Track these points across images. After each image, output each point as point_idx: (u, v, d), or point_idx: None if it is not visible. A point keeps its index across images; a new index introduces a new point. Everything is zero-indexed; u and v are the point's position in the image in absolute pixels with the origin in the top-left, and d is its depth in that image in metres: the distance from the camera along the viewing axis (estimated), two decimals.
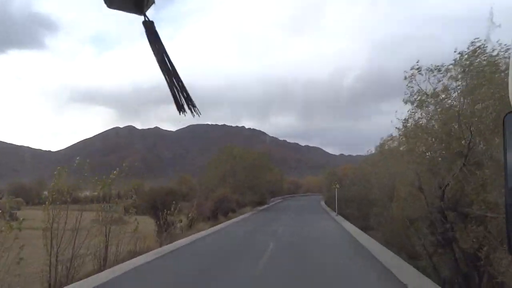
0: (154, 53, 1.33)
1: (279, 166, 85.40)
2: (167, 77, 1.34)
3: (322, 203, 50.63)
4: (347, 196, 28.86)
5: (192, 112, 1.37)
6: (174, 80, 1.34)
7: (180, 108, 1.33)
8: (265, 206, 44.22)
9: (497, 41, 8.51)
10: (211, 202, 28.68)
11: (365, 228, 19.78)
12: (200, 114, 1.35)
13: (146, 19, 1.31)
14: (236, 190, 35.90)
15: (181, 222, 20.39)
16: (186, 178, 43.75)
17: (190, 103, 1.35)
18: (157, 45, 1.33)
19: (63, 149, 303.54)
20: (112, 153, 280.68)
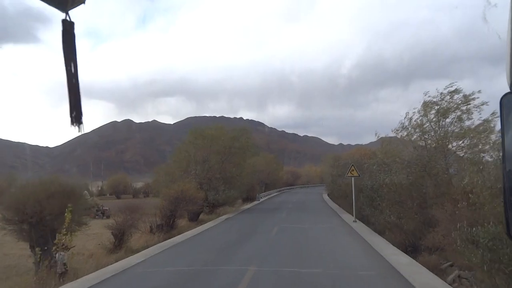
0: (64, 55, 1.31)
1: (278, 157, 77.04)
2: (70, 85, 1.32)
3: (325, 196, 43.07)
4: (368, 188, 17.99)
5: (78, 128, 1.34)
6: (72, 92, 1.32)
7: (75, 123, 1.31)
8: (253, 203, 34.75)
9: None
10: (163, 206, 18.79)
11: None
12: (83, 132, 1.33)
13: (68, 18, 1.30)
14: (208, 183, 25.71)
15: (67, 250, 10.05)
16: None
17: (78, 120, 1.32)
18: (69, 48, 1.32)
19: (60, 145, 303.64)
20: (110, 148, 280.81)
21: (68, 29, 1.32)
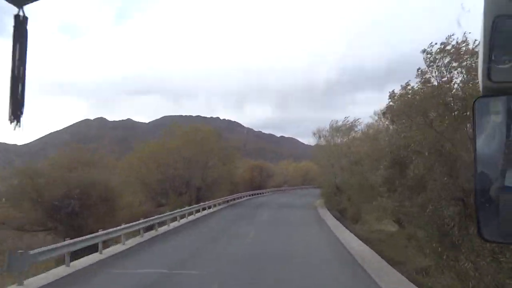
0: (13, 52, 1.25)
1: (255, 157, 71.46)
2: (14, 82, 1.26)
3: (327, 218, 24.80)
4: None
5: (15, 126, 1.31)
6: (20, 90, 1.26)
7: (13, 120, 1.25)
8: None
9: None
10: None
11: None
12: (20, 129, 1.29)
13: (22, 13, 1.22)
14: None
15: None
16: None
17: (18, 119, 1.27)
18: (21, 45, 1.26)
19: (30, 143, 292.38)
20: (82, 146, 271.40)
21: (21, 25, 1.24)
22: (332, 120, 34.90)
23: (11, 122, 1.24)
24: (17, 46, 1.25)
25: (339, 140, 33.11)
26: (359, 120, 31.08)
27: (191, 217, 24.36)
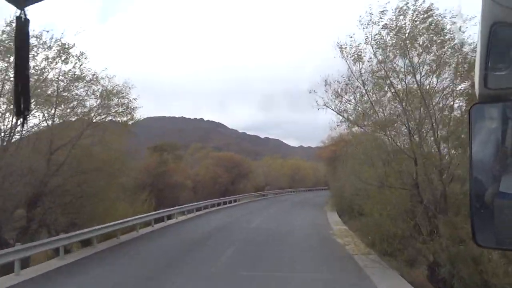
0: (15, 53, 1.30)
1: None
2: (18, 82, 1.30)
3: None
4: None
5: (22, 124, 1.37)
6: (23, 88, 1.30)
7: (19, 115, 1.30)
8: None
9: None
10: None
11: None
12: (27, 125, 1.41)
13: (23, 15, 1.22)
14: None
15: None
16: None
17: (26, 116, 1.33)
18: (23, 46, 1.29)
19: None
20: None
21: (23, 27, 1.24)
22: None
23: (17, 118, 1.35)
24: (19, 46, 1.29)
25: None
26: None
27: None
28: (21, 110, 1.28)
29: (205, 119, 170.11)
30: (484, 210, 1.17)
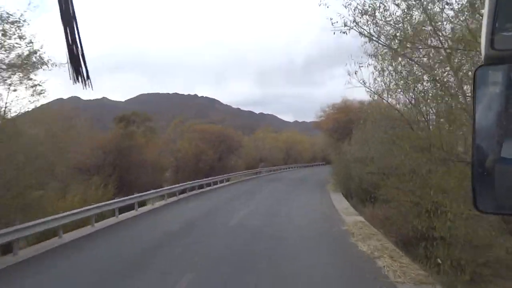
0: (62, 20, 1.31)
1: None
2: (70, 41, 1.30)
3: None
4: None
5: (85, 84, 1.36)
6: (79, 48, 1.30)
7: (76, 77, 1.30)
8: None
9: None
10: None
11: None
12: (92, 89, 1.41)
13: None
14: None
15: None
16: None
17: (86, 74, 1.34)
18: (67, 13, 1.30)
19: None
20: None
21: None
22: None
23: (75, 82, 1.35)
24: (65, 13, 1.31)
25: None
26: None
27: None
28: (78, 72, 1.35)
29: (199, 95, 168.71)
30: (485, 176, 1.16)
